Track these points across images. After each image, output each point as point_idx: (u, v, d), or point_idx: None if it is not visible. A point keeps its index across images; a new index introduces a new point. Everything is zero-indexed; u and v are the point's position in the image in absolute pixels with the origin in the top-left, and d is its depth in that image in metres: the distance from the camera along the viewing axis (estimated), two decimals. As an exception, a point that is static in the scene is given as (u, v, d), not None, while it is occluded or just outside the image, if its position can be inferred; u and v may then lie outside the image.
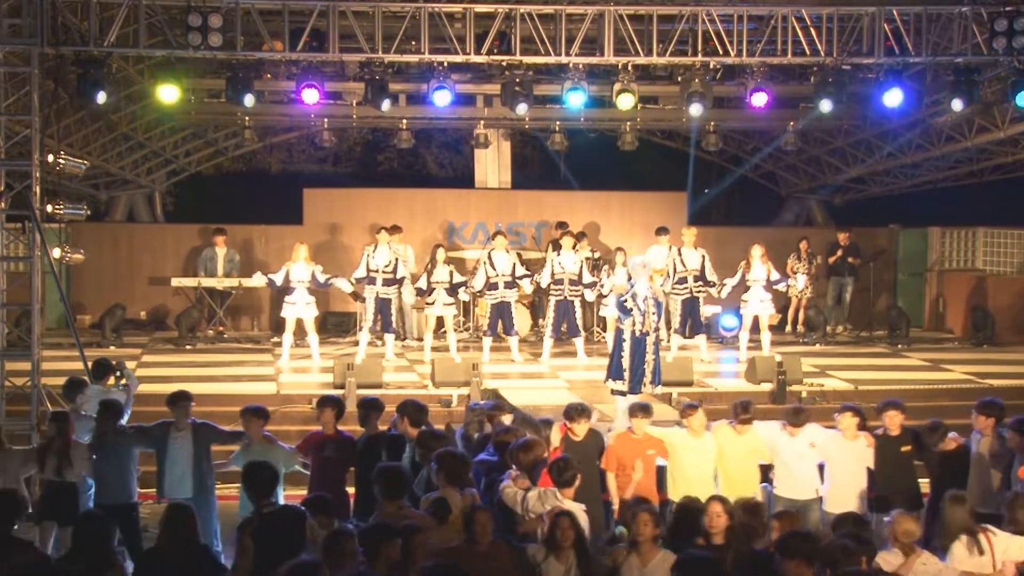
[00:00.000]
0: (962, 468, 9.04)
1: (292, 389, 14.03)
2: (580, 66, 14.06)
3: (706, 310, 16.73)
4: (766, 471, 9.42)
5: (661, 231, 16.83)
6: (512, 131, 20.66)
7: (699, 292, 15.94)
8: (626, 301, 11.60)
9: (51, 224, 14.75)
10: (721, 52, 13.81)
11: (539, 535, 7.56)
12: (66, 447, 8.91)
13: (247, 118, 17.64)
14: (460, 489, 7.58)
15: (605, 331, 16.98)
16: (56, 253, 14.23)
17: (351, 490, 9.18)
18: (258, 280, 15.93)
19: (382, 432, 9.13)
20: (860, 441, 9.20)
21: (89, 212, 15.10)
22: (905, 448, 9.21)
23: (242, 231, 19.75)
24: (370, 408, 9.24)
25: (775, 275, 16.01)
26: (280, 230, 19.80)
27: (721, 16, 13.74)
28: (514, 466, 8.03)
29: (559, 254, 16.05)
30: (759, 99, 14.38)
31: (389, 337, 16.00)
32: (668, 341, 16.24)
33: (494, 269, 15.77)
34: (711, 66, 14.51)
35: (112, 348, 16.57)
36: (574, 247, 16.16)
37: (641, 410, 9.30)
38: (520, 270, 15.97)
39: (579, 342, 16.04)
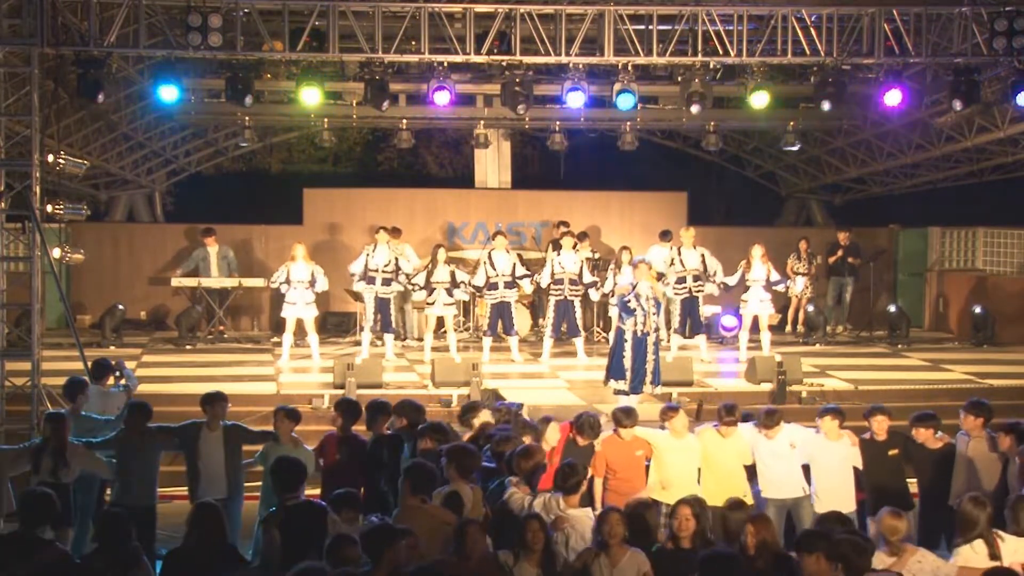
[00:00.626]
0: (947, 468, 9.05)
1: (292, 389, 14.02)
2: (580, 66, 14.06)
3: (706, 310, 16.74)
4: (750, 473, 9.43)
5: (664, 235, 16.83)
6: (512, 131, 20.67)
7: (699, 292, 15.95)
8: (629, 301, 11.60)
9: (51, 224, 14.76)
10: (721, 52, 13.80)
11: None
12: (61, 448, 8.88)
13: (247, 118, 17.63)
14: (469, 483, 7.62)
15: (606, 331, 16.99)
16: (56, 253, 14.23)
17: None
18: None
19: (384, 433, 9.16)
20: (844, 441, 9.24)
21: (89, 212, 15.11)
22: (892, 452, 9.25)
23: (242, 231, 19.77)
24: (377, 411, 9.28)
25: (775, 275, 16.03)
26: (280, 230, 19.80)
27: (721, 16, 13.73)
28: (515, 472, 8.01)
29: (559, 254, 16.05)
30: (759, 99, 14.39)
31: (388, 337, 16.00)
32: (668, 341, 16.27)
33: (494, 269, 15.77)
34: (711, 66, 14.51)
35: (112, 348, 16.57)
36: (574, 247, 16.17)
37: (625, 415, 9.27)
38: (520, 270, 15.97)
39: (579, 342, 16.04)
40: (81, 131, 17.39)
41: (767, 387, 13.78)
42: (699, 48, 13.81)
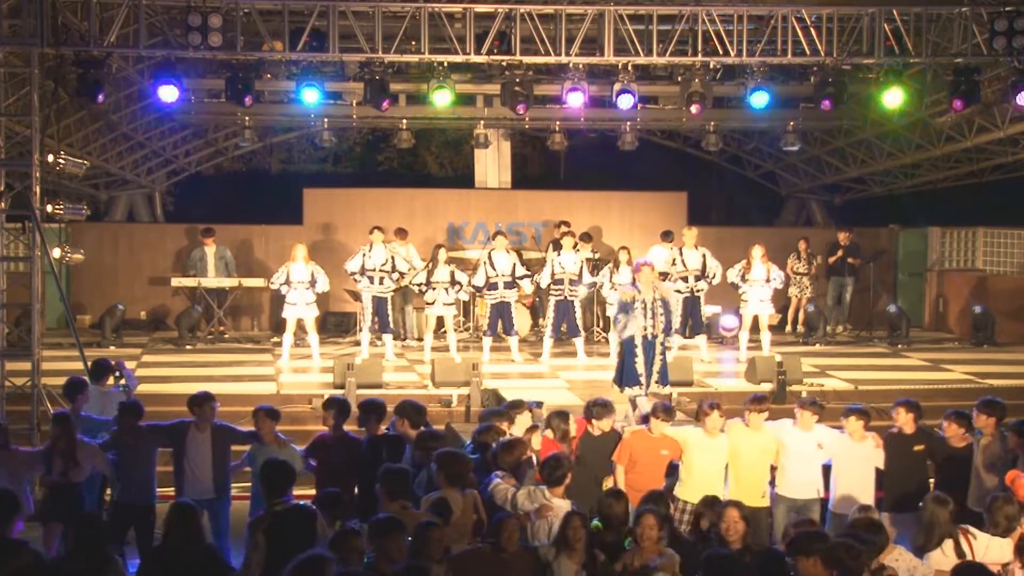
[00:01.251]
0: (966, 468, 9.02)
1: (292, 389, 14.03)
2: (580, 66, 14.07)
3: (706, 310, 16.74)
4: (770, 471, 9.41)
5: (666, 235, 16.83)
6: (512, 131, 20.67)
7: (699, 292, 15.95)
8: (634, 306, 11.59)
9: (51, 224, 14.77)
10: (721, 52, 13.81)
11: (528, 532, 7.58)
12: (71, 448, 8.90)
13: (247, 118, 17.63)
14: (461, 489, 7.58)
15: (606, 331, 17.00)
16: (56, 253, 14.24)
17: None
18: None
19: (383, 434, 9.13)
20: (868, 442, 9.15)
21: (89, 212, 15.12)
22: (918, 447, 9.17)
23: (242, 231, 19.77)
24: (369, 410, 9.23)
25: (776, 275, 16.02)
26: (280, 230, 19.81)
27: (721, 16, 13.74)
28: (499, 466, 8.02)
29: (559, 254, 16.05)
30: (759, 99, 14.39)
31: (388, 337, 16.00)
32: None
33: (494, 269, 15.77)
34: (711, 66, 14.51)
35: (112, 348, 16.57)
36: (575, 247, 16.17)
37: (663, 411, 9.28)
38: (520, 270, 15.97)
39: (579, 342, 16.04)
40: (81, 131, 17.38)
41: (767, 387, 13.76)
42: (699, 48, 13.82)
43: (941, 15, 13.77)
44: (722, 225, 23.19)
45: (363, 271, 15.71)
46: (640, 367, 11.71)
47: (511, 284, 15.86)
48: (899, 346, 18.00)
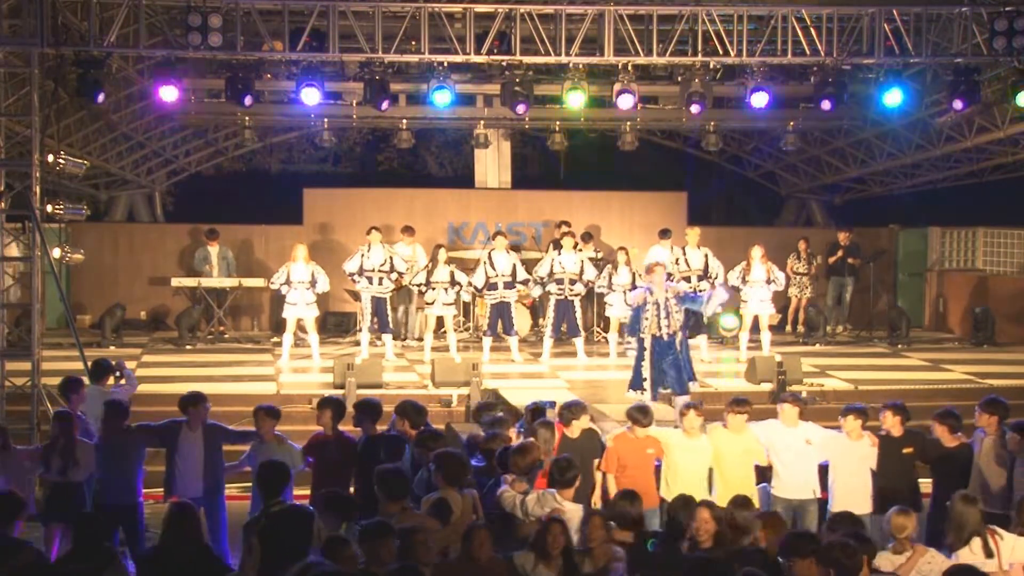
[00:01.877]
0: (963, 466, 9.02)
1: (292, 389, 14.03)
2: (580, 66, 14.07)
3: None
4: (765, 472, 9.38)
5: (664, 233, 16.84)
6: (512, 131, 20.66)
7: (702, 292, 15.94)
8: (645, 307, 11.55)
9: (51, 224, 14.78)
10: (721, 52, 13.81)
11: None
12: (71, 447, 8.91)
13: (247, 118, 17.63)
14: (460, 490, 7.56)
15: (606, 331, 17.00)
16: (56, 253, 14.25)
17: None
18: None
19: (381, 433, 9.12)
20: (864, 441, 9.16)
21: (89, 212, 15.13)
22: (907, 450, 9.18)
23: (242, 231, 19.77)
24: (364, 410, 9.23)
25: (776, 276, 16.02)
26: (280, 230, 19.81)
27: (721, 16, 13.74)
28: (511, 470, 8.00)
29: (559, 253, 16.05)
30: (759, 99, 14.39)
31: (387, 337, 16.00)
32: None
33: (494, 269, 15.77)
34: (711, 66, 14.51)
35: (112, 348, 16.57)
36: (575, 247, 16.17)
37: (641, 413, 9.26)
38: (521, 274, 15.93)
39: (579, 342, 16.04)
40: (81, 131, 17.38)
41: (767, 387, 13.78)
42: (699, 48, 13.82)
43: (941, 15, 13.76)
44: (722, 225, 23.16)
45: (361, 271, 15.70)
46: (646, 371, 11.68)
47: (511, 284, 15.85)
48: (899, 346, 18.00)
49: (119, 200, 21.48)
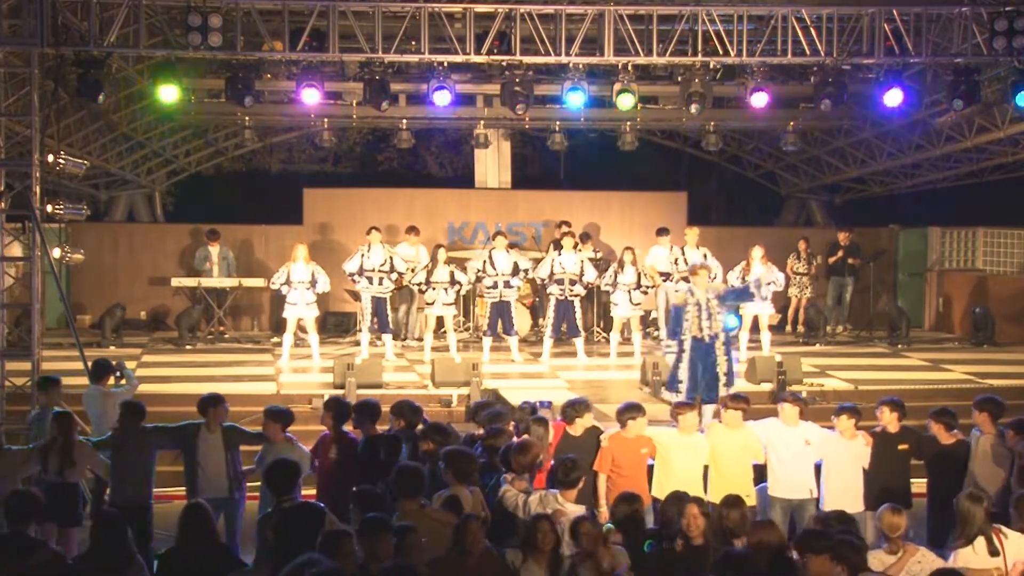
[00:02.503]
0: (959, 464, 9.03)
1: (292, 389, 14.02)
2: (580, 66, 14.07)
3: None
4: (763, 472, 9.39)
5: (662, 232, 16.84)
6: (512, 131, 20.67)
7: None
8: (686, 309, 11.50)
9: (51, 224, 14.78)
10: (721, 52, 13.81)
11: None
12: (69, 447, 8.90)
13: (247, 118, 17.64)
14: (468, 487, 7.61)
15: (606, 331, 17.00)
16: (56, 253, 14.25)
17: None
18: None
19: (380, 434, 9.14)
20: (858, 440, 9.18)
21: (89, 212, 15.12)
22: (902, 446, 9.20)
23: (242, 231, 19.78)
24: (363, 411, 9.25)
25: (776, 276, 16.01)
26: (280, 230, 19.82)
27: (721, 16, 13.73)
28: (513, 468, 8.01)
29: (560, 253, 16.05)
30: (759, 99, 14.40)
31: (387, 337, 16.00)
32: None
33: (494, 269, 15.77)
34: (711, 66, 14.51)
35: (112, 348, 16.57)
36: (575, 247, 16.17)
37: (634, 410, 9.25)
38: (523, 263, 15.93)
39: (579, 342, 16.05)
40: (81, 131, 17.38)
41: (767, 387, 13.78)
42: (699, 48, 13.82)
43: (941, 15, 13.76)
44: (722, 225, 23.19)
45: (361, 272, 15.70)
46: (683, 373, 11.59)
47: (511, 284, 15.86)
48: (899, 346, 18.00)
49: (119, 200, 21.48)
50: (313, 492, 8.95)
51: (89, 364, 11.32)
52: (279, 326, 16.27)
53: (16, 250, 13.13)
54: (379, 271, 15.71)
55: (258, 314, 19.58)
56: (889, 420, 9.22)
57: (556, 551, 6.87)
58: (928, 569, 6.79)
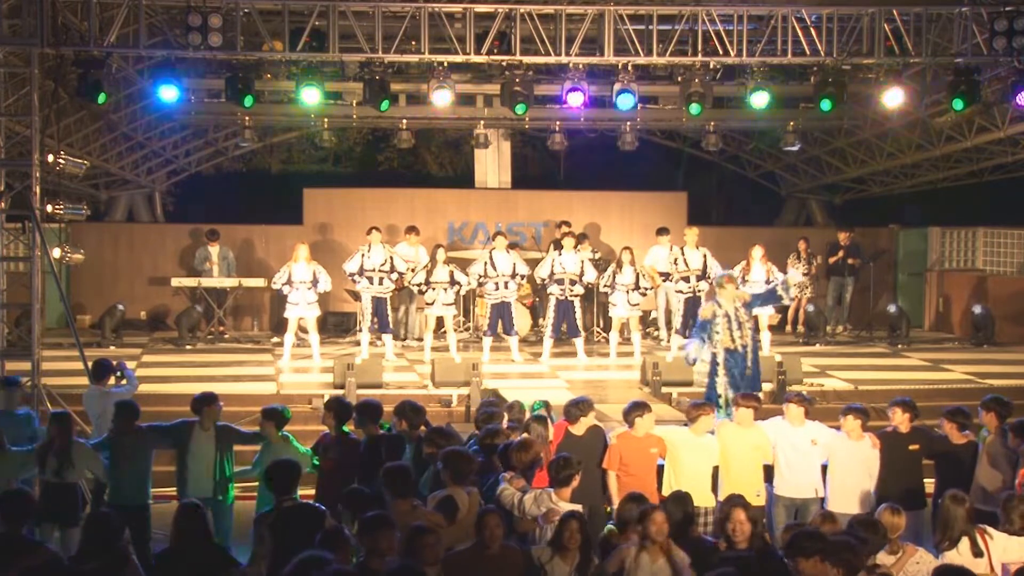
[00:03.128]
0: (968, 464, 9.02)
1: (292, 389, 14.02)
2: (580, 66, 14.06)
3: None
4: (770, 471, 9.37)
5: (662, 231, 16.83)
6: (512, 131, 20.67)
7: (701, 292, 15.95)
8: (715, 321, 11.41)
9: (51, 224, 14.77)
10: (721, 52, 13.81)
11: (537, 535, 7.58)
12: (67, 448, 8.89)
13: (247, 118, 17.64)
14: (465, 488, 7.60)
15: (606, 331, 17.00)
16: (56, 253, 14.24)
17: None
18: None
19: (382, 434, 9.13)
20: (865, 442, 9.11)
21: (89, 212, 15.12)
22: (913, 447, 9.15)
23: (242, 231, 19.79)
24: (364, 411, 9.24)
25: (777, 276, 16.00)
26: (280, 230, 19.82)
27: (721, 16, 13.74)
28: (511, 467, 8.01)
29: (560, 253, 16.05)
30: (759, 99, 14.40)
31: (387, 337, 16.00)
32: (668, 341, 16.27)
33: (494, 269, 15.77)
34: (711, 66, 14.51)
35: (112, 348, 16.57)
36: (575, 247, 16.17)
37: (640, 408, 9.23)
38: (522, 268, 15.94)
39: (579, 342, 16.05)
40: (81, 131, 17.39)
41: (767, 387, 13.76)
42: (699, 48, 13.83)
43: (941, 15, 13.77)
44: (722, 225, 23.18)
45: (362, 271, 15.70)
46: (720, 387, 11.47)
47: (511, 285, 15.85)
48: (899, 346, 18.00)
49: (119, 200, 21.49)
50: (313, 492, 8.94)
51: (89, 364, 11.32)
52: (279, 326, 16.27)
53: (16, 250, 13.13)
54: (379, 271, 15.70)
55: (258, 314, 19.58)
56: (901, 420, 9.17)
57: (585, 549, 6.92)
58: (927, 569, 6.77)
